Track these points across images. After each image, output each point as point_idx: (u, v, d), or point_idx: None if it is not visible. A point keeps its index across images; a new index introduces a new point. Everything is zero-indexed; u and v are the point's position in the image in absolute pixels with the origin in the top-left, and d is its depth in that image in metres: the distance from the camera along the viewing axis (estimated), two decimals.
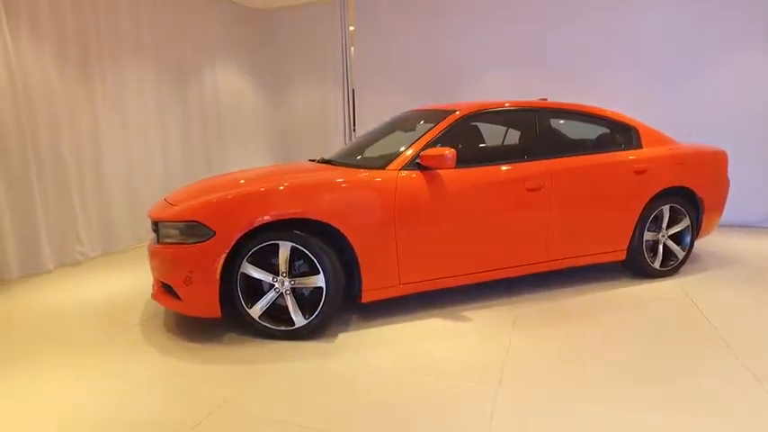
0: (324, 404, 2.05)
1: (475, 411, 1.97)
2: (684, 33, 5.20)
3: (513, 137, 3.36)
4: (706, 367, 2.28)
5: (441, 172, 2.88)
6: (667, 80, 5.33)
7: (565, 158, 3.21)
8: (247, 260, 2.60)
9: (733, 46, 5.08)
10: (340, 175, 2.77)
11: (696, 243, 4.52)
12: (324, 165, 3.20)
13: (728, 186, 3.87)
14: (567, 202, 3.18)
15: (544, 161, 3.15)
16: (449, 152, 2.74)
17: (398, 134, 3.52)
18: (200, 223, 2.50)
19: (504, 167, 3.04)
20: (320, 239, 2.62)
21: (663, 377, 2.21)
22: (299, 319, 2.65)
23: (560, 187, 3.14)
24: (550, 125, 3.31)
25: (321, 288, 2.62)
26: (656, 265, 3.57)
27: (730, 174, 3.78)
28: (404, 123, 3.58)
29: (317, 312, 2.64)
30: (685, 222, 3.62)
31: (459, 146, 3.20)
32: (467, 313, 3.01)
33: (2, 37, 3.63)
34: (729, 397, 2.03)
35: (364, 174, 2.80)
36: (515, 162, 3.11)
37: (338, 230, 2.63)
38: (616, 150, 3.43)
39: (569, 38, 5.60)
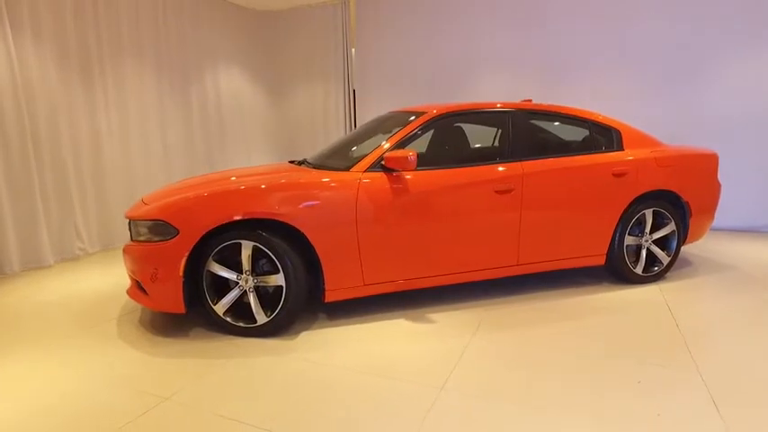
0: (266, 401, 2.10)
1: (409, 413, 1.99)
2: (686, 34, 5.04)
3: (487, 139, 3.34)
4: (662, 382, 2.22)
5: (406, 174, 2.90)
6: (673, 82, 5.17)
7: (538, 161, 3.17)
8: (214, 258, 2.69)
9: (739, 47, 4.89)
10: (304, 177, 2.82)
11: (690, 248, 4.43)
12: (297, 166, 3.26)
13: (719, 190, 3.74)
14: (540, 206, 3.15)
15: (515, 163, 3.12)
16: (411, 154, 2.76)
17: (379, 136, 3.55)
18: (166, 222, 2.60)
19: (472, 169, 3.03)
20: (283, 239, 2.68)
21: (615, 390, 2.17)
22: (260, 317, 2.72)
23: (532, 190, 3.11)
24: (525, 127, 3.28)
25: (282, 287, 2.68)
26: (639, 270, 3.49)
27: (738, 178, 3.66)
28: (384, 124, 3.60)
29: (277, 311, 2.70)
30: (670, 227, 3.53)
31: (428, 148, 3.22)
32: (434, 315, 3.02)
33: (4, 39, 3.84)
34: (677, 420, 1.97)
35: (328, 175, 2.85)
36: (486, 164, 3.10)
37: (299, 231, 2.69)
38: (595, 152, 3.36)
39: (571, 39, 5.51)
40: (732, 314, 2.95)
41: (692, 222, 3.61)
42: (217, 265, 2.70)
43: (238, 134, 6.60)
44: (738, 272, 3.77)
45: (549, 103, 5.54)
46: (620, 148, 3.44)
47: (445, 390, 2.17)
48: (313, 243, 2.72)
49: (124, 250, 2.84)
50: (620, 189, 3.32)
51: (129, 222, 2.83)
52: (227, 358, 2.50)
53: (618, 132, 3.48)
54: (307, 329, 2.86)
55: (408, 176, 2.89)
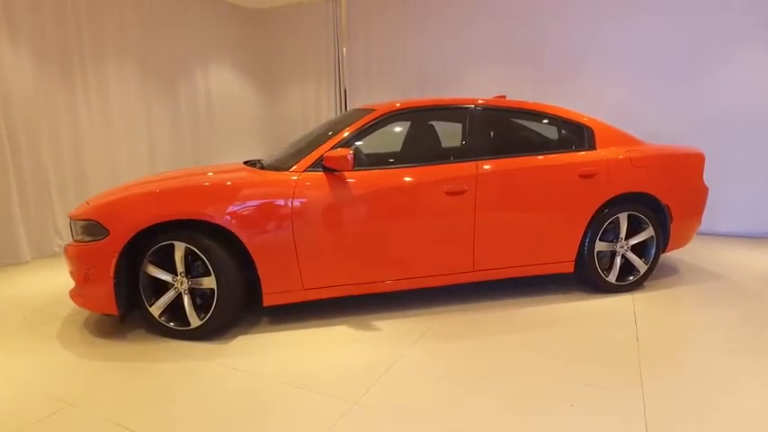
0: (170, 409, 2.03)
1: (313, 426, 1.88)
2: (686, 32, 4.71)
3: (451, 137, 3.17)
4: (597, 406, 2.03)
5: (348, 174, 2.78)
6: (674, 79, 4.85)
7: (495, 160, 2.99)
8: (149, 259, 2.64)
9: (743, 44, 4.54)
10: (240, 178, 2.73)
11: (679, 255, 4.14)
12: (244, 167, 3.14)
13: (705, 192, 3.46)
14: (497, 208, 2.97)
15: (470, 163, 2.95)
16: (348, 154, 2.63)
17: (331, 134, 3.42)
18: (97, 222, 2.56)
19: (421, 169, 2.88)
20: (215, 241, 2.60)
21: (543, 414, 2.00)
22: (194, 320, 2.65)
23: (487, 191, 2.93)
24: (484, 125, 3.10)
25: (214, 290, 2.61)
26: (612, 278, 3.25)
27: (741, 180, 3.36)
28: (342, 122, 3.48)
29: (209, 314, 2.63)
30: (648, 233, 3.28)
31: (379, 147, 3.08)
32: (379, 322, 2.89)
33: None
34: None
35: (267, 176, 2.75)
36: (438, 164, 2.94)
37: (232, 232, 2.61)
38: (562, 152, 3.15)
39: (565, 36, 5.25)
40: (704, 330, 2.70)
41: (674, 228, 3.35)
42: (152, 266, 2.65)
43: (229, 134, 6.60)
44: (726, 282, 3.48)
45: (539, 100, 5.35)
46: (592, 148, 3.21)
47: (359, 404, 2.04)
48: (246, 245, 2.63)
49: (64, 250, 2.82)
50: (588, 191, 3.10)
51: (70, 222, 2.81)
52: (152, 362, 2.44)
53: (590, 130, 3.25)
54: (244, 333, 2.78)
55: (350, 177, 2.77)
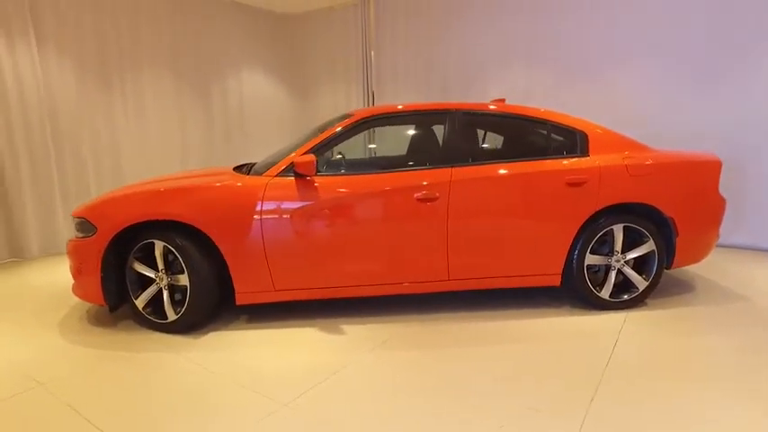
0: (123, 397, 2.19)
1: (238, 423, 1.95)
2: (723, 26, 4.25)
3: (422, 142, 3.11)
4: (530, 430, 1.93)
5: (317, 179, 2.82)
6: (701, 78, 4.41)
7: (471, 167, 2.90)
8: (135, 256, 2.85)
9: None
10: (215, 181, 2.87)
11: (701, 271, 3.75)
12: (228, 171, 3.24)
13: (721, 204, 3.12)
14: (471, 216, 2.87)
15: (445, 169, 2.88)
16: (312, 159, 2.68)
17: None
18: (87, 220, 2.81)
19: (391, 175, 2.86)
20: (190, 241, 2.76)
21: None
22: (170, 314, 2.83)
23: (461, 199, 2.84)
24: (463, 130, 3.01)
25: (187, 286, 2.77)
26: (605, 294, 3.03)
27: None
28: (325, 127, 3.52)
29: (183, 309, 2.79)
30: (648, 247, 3.02)
31: (355, 152, 3.09)
32: (349, 327, 2.91)
33: (29, 49, 4.39)
34: None
35: (241, 180, 2.87)
36: (412, 170, 2.91)
37: (205, 233, 2.75)
38: (550, 158, 2.98)
39: (591, 35, 4.93)
40: (688, 358, 2.45)
41: (681, 242, 3.05)
42: (137, 262, 2.86)
43: (262, 136, 6.89)
44: (744, 305, 3.12)
45: (562, 102, 5.09)
46: (584, 154, 3.01)
47: (287, 407, 2.08)
48: (218, 245, 2.76)
49: (66, 245, 3.12)
50: (576, 200, 2.91)
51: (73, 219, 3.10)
52: (129, 351, 2.64)
53: (583, 135, 3.05)
54: (219, 330, 2.91)
55: (320, 182, 2.81)
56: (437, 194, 2.82)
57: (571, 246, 2.98)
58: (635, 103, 4.76)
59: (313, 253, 2.83)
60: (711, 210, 3.10)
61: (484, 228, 2.89)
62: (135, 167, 5.39)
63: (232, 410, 2.06)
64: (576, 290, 3.06)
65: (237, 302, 2.88)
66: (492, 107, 3.12)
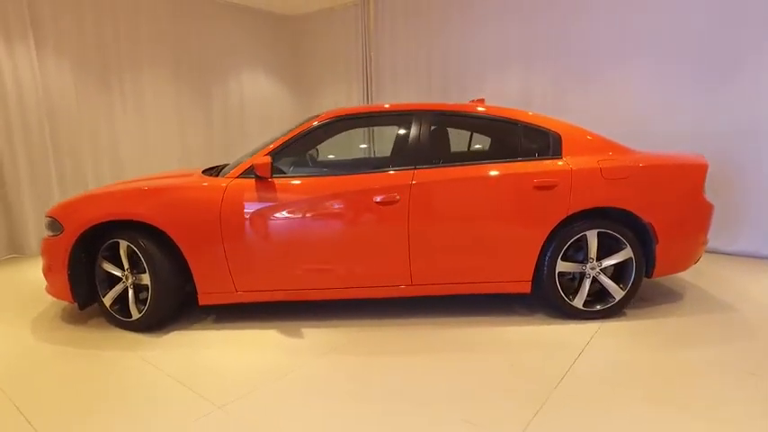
0: (65, 393, 2.22)
1: (172, 423, 1.94)
2: (725, 20, 4.00)
3: (388, 144, 3.05)
4: None
5: (277, 181, 2.80)
6: (704, 78, 4.17)
7: (434, 169, 2.82)
8: (103, 255, 2.90)
9: None
10: (178, 182, 2.88)
11: (695, 279, 3.56)
12: (195, 172, 3.22)
13: (706, 209, 2.93)
14: (433, 220, 2.79)
15: (407, 171, 2.81)
16: (267, 161, 2.67)
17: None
18: (56, 219, 2.87)
19: (350, 177, 2.81)
20: (152, 241, 2.78)
21: None
22: (134, 313, 2.86)
23: (422, 202, 2.77)
24: (429, 131, 2.93)
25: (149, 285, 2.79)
26: (578, 303, 2.90)
27: None
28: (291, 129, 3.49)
29: (145, 308, 2.82)
30: (626, 254, 2.87)
31: (319, 153, 3.06)
32: (309, 330, 2.87)
33: (28, 51, 4.54)
34: None
35: (206, 181, 2.87)
36: (372, 172, 2.85)
37: (167, 234, 2.77)
38: (519, 160, 2.87)
39: (590, 32, 4.75)
40: (657, 374, 2.31)
41: (661, 250, 2.89)
42: (105, 261, 2.91)
43: (263, 136, 6.93)
44: (731, 316, 2.93)
45: (561, 102, 4.93)
46: (557, 156, 2.89)
47: (222, 409, 2.07)
48: (180, 246, 2.77)
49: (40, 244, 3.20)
50: (545, 204, 2.79)
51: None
52: (90, 349, 2.69)
53: (556, 137, 2.93)
54: (183, 329, 2.93)
55: (279, 184, 2.79)
56: (397, 197, 2.76)
57: (541, 252, 2.86)
58: (636, 104, 4.55)
59: (271, 255, 2.81)
60: (695, 215, 2.92)
61: (447, 232, 2.81)
62: (134, 168, 5.50)
63: (168, 411, 2.06)
64: (547, 298, 2.94)
65: (200, 303, 2.89)
66: (461, 108, 3.03)
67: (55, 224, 2.88)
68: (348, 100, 6.94)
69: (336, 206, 2.78)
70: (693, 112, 4.24)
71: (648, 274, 2.97)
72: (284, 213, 2.78)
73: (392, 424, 1.94)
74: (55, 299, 3.43)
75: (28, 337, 2.87)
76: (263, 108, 6.98)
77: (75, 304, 2.96)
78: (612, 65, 4.66)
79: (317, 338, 2.76)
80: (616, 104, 4.67)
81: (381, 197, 2.76)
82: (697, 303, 3.15)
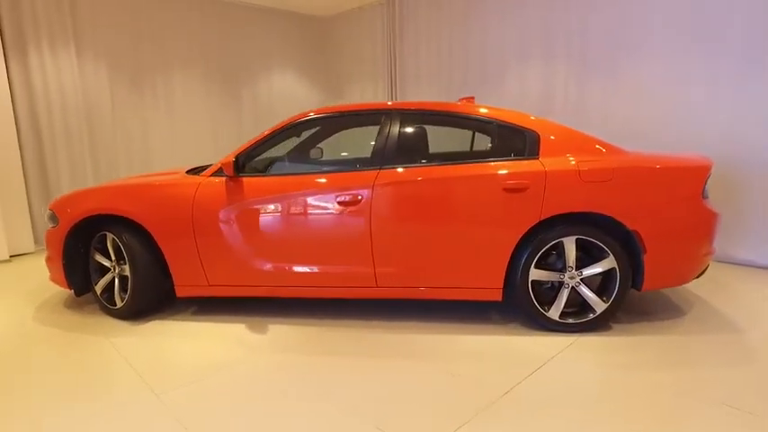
0: (35, 375, 2.41)
1: (99, 408, 2.06)
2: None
3: (357, 143, 3.00)
4: None
5: (245, 180, 2.87)
6: (739, 75, 3.72)
7: (396, 170, 2.73)
8: (95, 246, 3.13)
9: None
10: (157, 180, 3.03)
11: (705, 293, 3.19)
12: (178, 171, 3.34)
13: (707, 216, 2.61)
14: (395, 221, 2.72)
15: (370, 172, 2.76)
16: (228, 160, 2.74)
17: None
18: (54, 213, 3.13)
19: (315, 176, 2.80)
20: (133, 234, 2.95)
21: None
22: (118, 301, 3.06)
23: (384, 203, 2.70)
24: (398, 130, 2.84)
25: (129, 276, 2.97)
26: (554, 314, 2.70)
27: None
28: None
29: (126, 297, 2.99)
30: (608, 263, 2.63)
31: (289, 153, 3.08)
32: (273, 326, 2.91)
33: (69, 56, 4.98)
34: None
35: (183, 179, 3.00)
36: (338, 171, 2.82)
37: (146, 228, 2.92)
38: (491, 161, 2.71)
39: (613, 25, 4.40)
40: (614, 397, 2.09)
41: (650, 260, 2.61)
42: (97, 252, 3.13)
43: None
44: (730, 338, 2.59)
45: (582, 98, 4.61)
46: (533, 156, 2.70)
47: (159, 397, 2.15)
48: (157, 240, 2.92)
49: None
50: (516, 208, 2.62)
51: None
52: (75, 332, 2.90)
53: (534, 136, 2.73)
54: (162, 319, 3.08)
55: (246, 183, 2.85)
56: (359, 198, 2.72)
57: (513, 259, 2.69)
58: (662, 101, 4.16)
59: (238, 251, 2.87)
60: (692, 223, 2.61)
61: (411, 234, 2.72)
62: (165, 167, 5.87)
63: (108, 394, 2.18)
64: (520, 307, 2.76)
65: (177, 295, 3.03)
66: (432, 106, 2.92)
67: (54, 217, 3.13)
68: (374, 98, 6.94)
69: (300, 205, 2.79)
70: (726, 112, 3.80)
71: (637, 287, 2.70)
72: (249, 211, 2.83)
73: (305, 425, 1.92)
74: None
75: (28, 318, 3.16)
76: (292, 108, 7.15)
77: (72, 291, 3.22)
78: (639, 59, 4.27)
79: (277, 335, 2.79)
80: (641, 100, 4.29)
81: (344, 197, 2.73)
82: (699, 322, 2.82)
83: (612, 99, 4.49)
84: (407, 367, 2.39)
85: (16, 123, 4.75)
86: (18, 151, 4.72)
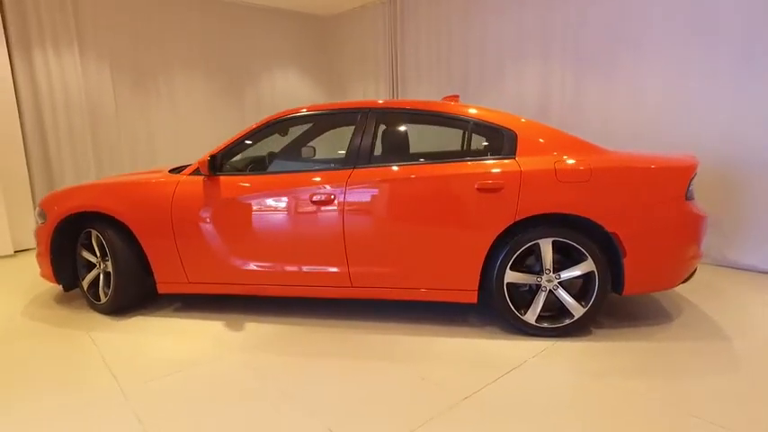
0: (16, 368, 2.48)
1: (66, 401, 2.10)
2: None
3: (333, 143, 2.98)
4: None
5: (222, 179, 2.88)
6: (743, 73, 3.55)
7: (369, 169, 2.70)
8: (81, 243, 3.19)
9: None
10: (138, 179, 3.07)
11: (699, 299, 3.08)
12: (160, 171, 3.38)
13: (692, 219, 2.51)
14: (370, 221, 2.69)
15: (343, 171, 2.73)
16: (204, 159, 2.75)
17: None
18: (42, 209, 3.20)
19: (289, 176, 2.80)
20: (116, 231, 3.00)
21: None
22: (102, 297, 3.11)
23: (357, 202, 2.68)
24: (373, 130, 2.81)
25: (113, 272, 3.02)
26: (530, 318, 2.64)
27: None
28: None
29: (109, 293, 3.05)
30: (587, 266, 2.55)
31: (269, 153, 3.09)
32: (252, 325, 2.92)
33: (73, 57, 5.10)
34: None
35: (164, 177, 3.03)
36: (313, 171, 2.81)
37: (127, 226, 2.97)
38: (465, 160, 2.65)
39: (613, 16, 4.27)
40: (578, 403, 2.03)
41: (630, 264, 2.52)
42: (83, 248, 3.20)
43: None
44: (717, 346, 2.48)
45: (579, 96, 4.50)
46: (510, 155, 2.64)
47: (122, 391, 2.18)
48: (137, 236, 2.96)
49: None
50: (489, 208, 2.57)
51: None
52: (53, 326, 2.97)
53: (511, 134, 2.67)
54: (145, 315, 3.12)
55: (222, 181, 2.86)
56: (332, 197, 2.70)
57: (488, 260, 2.64)
58: (661, 98, 4.02)
59: (214, 249, 2.89)
60: (675, 225, 2.51)
61: (383, 234, 2.69)
62: (167, 165, 5.96)
63: (76, 388, 2.22)
64: (497, 310, 2.70)
65: (159, 291, 3.06)
66: (407, 105, 2.88)
67: (42, 213, 3.21)
68: (377, 95, 6.91)
69: (274, 203, 2.79)
70: (729, 111, 3.64)
71: (618, 291, 2.61)
72: (224, 210, 2.84)
73: (258, 424, 1.92)
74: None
75: (18, 312, 3.24)
76: (294, 106, 7.17)
77: (60, 286, 3.29)
78: (639, 56, 4.14)
79: (251, 333, 2.80)
80: (643, 100, 4.15)
81: (319, 196, 2.72)
82: (686, 328, 2.72)
83: (611, 97, 4.36)
84: (379, 369, 2.36)
85: (21, 121, 4.88)
86: (23, 148, 4.86)
